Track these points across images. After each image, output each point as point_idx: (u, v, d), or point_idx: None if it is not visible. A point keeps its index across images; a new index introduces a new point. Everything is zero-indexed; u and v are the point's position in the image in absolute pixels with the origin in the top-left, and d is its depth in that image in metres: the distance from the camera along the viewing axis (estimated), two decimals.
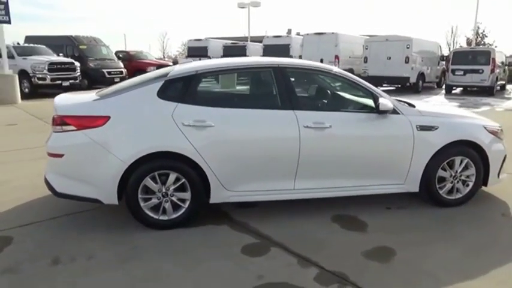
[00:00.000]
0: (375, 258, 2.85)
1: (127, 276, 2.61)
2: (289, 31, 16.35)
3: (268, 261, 2.81)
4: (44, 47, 16.19)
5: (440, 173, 3.71)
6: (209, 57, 22.48)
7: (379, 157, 3.55)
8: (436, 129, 3.63)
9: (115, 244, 3.02)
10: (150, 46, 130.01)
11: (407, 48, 15.16)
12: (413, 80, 15.53)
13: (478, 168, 3.78)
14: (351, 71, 17.44)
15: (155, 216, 3.24)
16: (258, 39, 23.66)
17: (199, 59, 22.18)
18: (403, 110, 3.62)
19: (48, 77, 14.19)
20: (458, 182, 3.79)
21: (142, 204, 3.19)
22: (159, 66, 19.49)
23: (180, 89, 3.28)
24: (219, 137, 3.22)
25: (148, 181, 3.16)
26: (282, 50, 19.10)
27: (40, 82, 14.04)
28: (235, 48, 21.64)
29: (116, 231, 3.21)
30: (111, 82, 17.18)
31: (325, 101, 3.78)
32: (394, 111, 3.57)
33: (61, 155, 3.10)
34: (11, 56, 14.87)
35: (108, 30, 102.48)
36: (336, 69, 3.67)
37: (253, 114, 3.33)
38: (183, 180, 3.21)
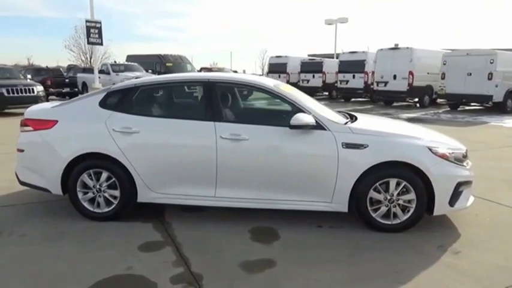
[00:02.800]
0: (246, 269, 2.90)
1: (39, 250, 3.14)
2: (396, 45, 15.76)
3: (151, 257, 3.08)
4: (136, 64, 18.59)
5: (373, 194, 3.51)
6: (288, 74, 23.08)
7: (300, 172, 3.52)
8: (365, 147, 3.46)
9: (49, 228, 3.60)
10: (255, 63, 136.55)
11: (491, 63, 13.52)
12: (498, 98, 13.73)
13: (419, 194, 3.46)
14: (429, 88, 16.29)
15: (90, 208, 3.75)
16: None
17: (279, 76, 22.92)
18: (331, 126, 3.54)
19: None
20: (395, 206, 3.53)
21: (80, 196, 3.73)
22: None
23: (117, 100, 3.78)
24: (142, 142, 3.61)
25: (84, 177, 3.70)
26: (357, 65, 18.68)
27: None
28: (312, 64, 21.81)
29: (58, 219, 3.79)
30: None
31: (248, 114, 3.88)
32: (320, 127, 3.52)
33: (22, 150, 3.84)
34: (107, 72, 17.45)
35: (220, 49, 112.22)
36: (269, 84, 3.76)
37: (176, 123, 3.65)
38: (113, 179, 3.67)
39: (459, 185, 3.53)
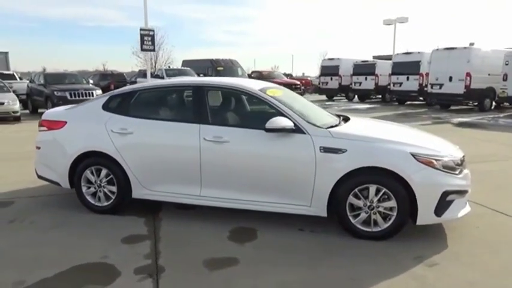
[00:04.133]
0: (208, 265, 3.02)
1: (41, 236, 3.56)
2: (472, 44, 14.85)
3: (128, 249, 3.32)
4: (189, 69, 19.45)
5: (353, 200, 3.43)
6: (340, 76, 22.64)
7: (279, 175, 3.56)
8: (344, 152, 3.41)
9: (57, 217, 4.02)
10: (317, 65, 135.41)
11: None
12: None
13: (400, 201, 3.33)
14: (490, 90, 15.02)
15: (92, 202, 4.12)
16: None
17: (331, 78, 22.58)
18: (310, 130, 3.53)
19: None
20: (375, 213, 3.42)
21: (84, 190, 4.12)
22: (285, 84, 20.75)
23: (117, 103, 4.11)
24: (136, 142, 3.90)
25: (87, 173, 4.08)
26: (412, 67, 17.84)
27: None
28: (364, 67, 21.17)
29: (67, 210, 4.21)
30: None
31: (232, 117, 3.96)
32: (299, 130, 3.54)
33: (39, 148, 4.33)
34: (162, 77, 18.49)
35: (283, 52, 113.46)
36: (253, 87, 3.84)
37: (165, 125, 3.89)
38: (111, 175, 4.01)
39: (446, 194, 3.32)
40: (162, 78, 18.27)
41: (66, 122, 4.18)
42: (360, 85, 21.42)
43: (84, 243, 3.42)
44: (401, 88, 18.53)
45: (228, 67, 20.18)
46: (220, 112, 3.93)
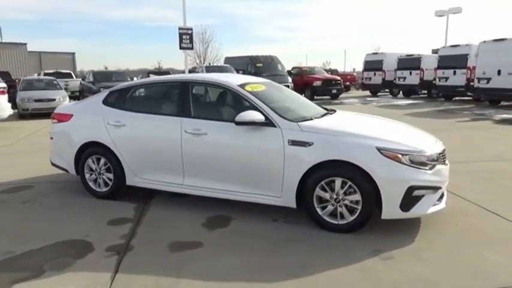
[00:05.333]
0: (171, 248, 3.28)
1: (42, 215, 4.04)
2: None
3: (110, 229, 3.67)
4: (229, 66, 19.90)
5: (320, 192, 3.51)
6: (383, 71, 21.91)
7: (251, 166, 3.72)
8: (310, 145, 3.49)
9: (64, 200, 4.51)
10: None
11: None
12: None
13: (365, 195, 3.34)
14: None
15: (93, 187, 4.56)
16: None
17: (374, 74, 21.98)
18: (281, 123, 3.64)
19: None
20: (341, 206, 3.46)
21: (87, 177, 4.57)
22: (325, 80, 20.53)
23: (115, 98, 4.50)
24: (128, 134, 4.25)
25: (89, 161, 4.51)
26: (459, 60, 16.79)
27: None
28: (409, 61, 20.28)
29: (75, 194, 4.69)
30: None
31: (211, 111, 4.14)
32: (270, 124, 3.66)
33: (52, 138, 4.85)
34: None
35: (335, 47, 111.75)
36: (233, 82, 4.01)
37: (153, 118, 4.19)
38: (108, 164, 4.40)
39: (412, 189, 3.29)
40: None
41: (72, 115, 4.65)
42: (404, 80, 20.58)
43: (75, 222, 3.83)
44: (447, 83, 17.54)
45: (267, 63, 20.32)
46: (202, 106, 4.16)
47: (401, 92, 22.06)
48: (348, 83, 30.42)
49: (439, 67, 17.83)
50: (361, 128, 3.72)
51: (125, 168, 4.33)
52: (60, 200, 4.53)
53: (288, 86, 19.30)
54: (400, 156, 3.32)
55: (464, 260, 3.01)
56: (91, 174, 4.55)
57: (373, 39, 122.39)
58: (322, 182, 3.48)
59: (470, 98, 17.46)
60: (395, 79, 21.06)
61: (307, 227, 3.62)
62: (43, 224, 3.82)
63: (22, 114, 13.11)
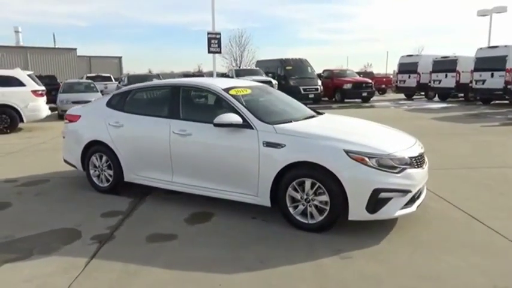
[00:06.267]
0: (149, 239, 3.55)
1: (43, 206, 4.46)
2: None
3: (101, 221, 4.01)
4: (259, 69, 20.24)
5: (291, 192, 3.65)
6: (418, 74, 21.28)
7: (231, 166, 3.92)
8: (283, 147, 3.64)
9: (68, 193, 4.95)
10: None
11: None
12: None
13: (332, 196, 3.44)
14: None
15: (97, 182, 4.96)
16: None
17: (409, 76, 21.45)
18: (258, 126, 3.82)
19: None
20: (311, 206, 3.58)
21: (91, 173, 4.98)
22: (355, 83, 20.26)
23: (117, 101, 4.87)
24: (125, 134, 4.61)
25: (93, 158, 4.92)
26: (497, 62, 16.03)
27: None
28: (445, 63, 19.55)
29: (80, 188, 5.12)
30: (306, 98, 19.50)
31: (197, 113, 4.35)
32: (249, 126, 3.85)
33: (64, 137, 5.32)
34: (231, 77, 19.56)
35: (379, 49, 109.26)
36: (217, 86, 4.23)
37: (147, 119, 4.51)
38: (109, 161, 4.78)
39: (378, 191, 3.34)
40: (232, 78, 19.34)
41: (80, 116, 5.08)
42: (439, 83, 19.86)
43: (73, 213, 4.22)
44: (484, 86, 16.75)
45: (297, 66, 20.42)
46: (189, 109, 4.41)
47: (437, 95, 21.29)
48: (383, 86, 29.85)
49: (475, 69, 17.09)
50: (335, 130, 3.82)
51: (122, 166, 4.68)
52: (67, 193, 4.97)
53: (316, 90, 19.36)
54: (366, 159, 3.39)
55: (422, 263, 3.03)
56: (95, 171, 4.95)
57: (417, 41, 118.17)
58: (294, 183, 3.62)
59: (508, 101, 16.58)
60: (430, 82, 20.38)
61: (282, 226, 3.76)
62: (46, 214, 4.24)
63: (61, 115, 14.11)
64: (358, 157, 3.40)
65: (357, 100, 20.69)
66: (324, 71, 22.63)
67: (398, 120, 12.27)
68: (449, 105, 17.74)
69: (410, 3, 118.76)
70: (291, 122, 4.00)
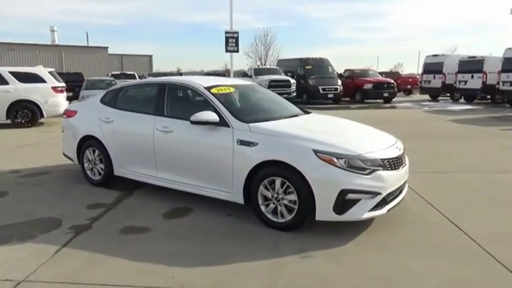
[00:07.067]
0: (123, 231, 3.67)
1: (37, 197, 4.70)
2: None
3: (84, 212, 4.17)
4: (278, 68, 20.23)
5: (263, 191, 3.67)
6: (444, 74, 20.62)
7: (207, 163, 3.99)
8: (255, 145, 3.67)
9: (62, 185, 5.17)
10: None
11: None
12: None
13: (301, 195, 3.44)
14: None
15: (90, 176, 5.16)
16: None
17: (434, 77, 20.84)
18: (234, 124, 3.86)
19: None
20: (280, 205, 3.59)
21: (85, 166, 5.19)
22: (376, 83, 19.87)
23: (109, 98, 5.04)
24: (114, 129, 4.77)
25: (87, 153, 5.12)
26: None
27: None
28: (471, 63, 18.83)
29: (76, 181, 5.33)
30: (325, 97, 19.32)
31: (179, 110, 4.40)
32: (225, 124, 3.90)
33: (63, 131, 5.56)
34: (250, 76, 19.64)
35: (410, 48, 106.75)
36: (200, 84, 4.29)
37: (135, 116, 4.64)
38: (101, 156, 4.97)
39: (345, 192, 3.31)
40: (250, 77, 19.42)
41: (77, 111, 5.30)
42: (465, 84, 19.15)
43: (61, 204, 4.42)
44: (511, 87, 16.03)
45: (317, 65, 20.25)
46: (173, 106, 4.50)
47: (462, 97, 20.54)
48: (409, 87, 29.07)
49: (503, 70, 16.38)
50: (309, 130, 3.80)
51: (112, 160, 4.85)
52: (63, 185, 5.20)
53: (336, 89, 19.13)
54: (334, 159, 3.36)
55: (381, 266, 2.98)
56: (88, 164, 5.15)
57: (450, 40, 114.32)
58: (265, 181, 3.64)
59: None
60: (455, 83, 19.68)
61: (255, 224, 3.78)
62: (36, 204, 4.46)
63: None
64: (326, 157, 3.38)
65: (378, 100, 20.29)
66: (345, 70, 22.32)
67: (410, 121, 11.97)
68: (474, 107, 17.09)
69: (443, 2, 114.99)
70: (270, 120, 4.01)
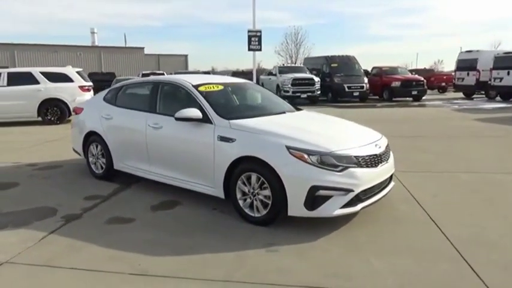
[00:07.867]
0: (108, 221, 3.89)
1: (40, 188, 5.04)
2: None
3: (79, 202, 4.44)
4: (303, 66, 20.14)
5: (240, 186, 3.76)
6: (478, 71, 19.71)
7: (192, 158, 4.13)
8: (233, 141, 3.76)
9: (67, 178, 5.50)
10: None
11: None
12: None
13: (274, 191, 3.50)
14: None
15: (94, 169, 5.46)
16: None
17: (467, 73, 20.05)
18: (216, 121, 3.97)
19: (291, 90, 17.80)
20: (256, 200, 3.66)
21: (90, 160, 5.49)
22: (404, 81, 19.30)
23: (111, 95, 5.31)
24: (114, 125, 5.03)
25: (91, 148, 5.42)
26: None
27: (285, 94, 17.74)
28: (507, 59, 17.81)
29: (83, 174, 5.65)
30: (351, 96, 19.03)
31: (169, 108, 4.53)
32: (208, 121, 4.02)
33: (71, 127, 5.90)
34: (274, 74, 19.68)
35: (452, 45, 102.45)
36: (188, 83, 4.43)
37: (131, 113, 4.87)
38: (103, 151, 5.24)
39: (315, 188, 3.33)
40: (275, 75, 19.47)
41: (83, 109, 5.62)
42: (500, 81, 18.16)
43: (61, 195, 4.72)
44: None
45: (343, 63, 19.95)
46: (165, 103, 4.67)
47: (498, 95, 19.52)
48: (443, 84, 27.97)
49: None
50: (287, 127, 3.84)
51: (112, 155, 5.11)
52: (70, 178, 5.53)
53: (362, 88, 18.78)
54: (305, 155, 3.39)
55: (345, 262, 2.99)
56: (92, 158, 5.45)
57: (494, 35, 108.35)
58: (243, 176, 3.73)
59: None
60: (490, 80, 18.72)
61: (235, 219, 3.88)
62: (40, 194, 4.79)
63: None
64: (298, 154, 3.41)
65: (407, 98, 19.70)
66: (373, 68, 21.83)
67: (432, 120, 11.59)
68: (509, 105, 16.21)
69: None
70: (253, 117, 4.09)
